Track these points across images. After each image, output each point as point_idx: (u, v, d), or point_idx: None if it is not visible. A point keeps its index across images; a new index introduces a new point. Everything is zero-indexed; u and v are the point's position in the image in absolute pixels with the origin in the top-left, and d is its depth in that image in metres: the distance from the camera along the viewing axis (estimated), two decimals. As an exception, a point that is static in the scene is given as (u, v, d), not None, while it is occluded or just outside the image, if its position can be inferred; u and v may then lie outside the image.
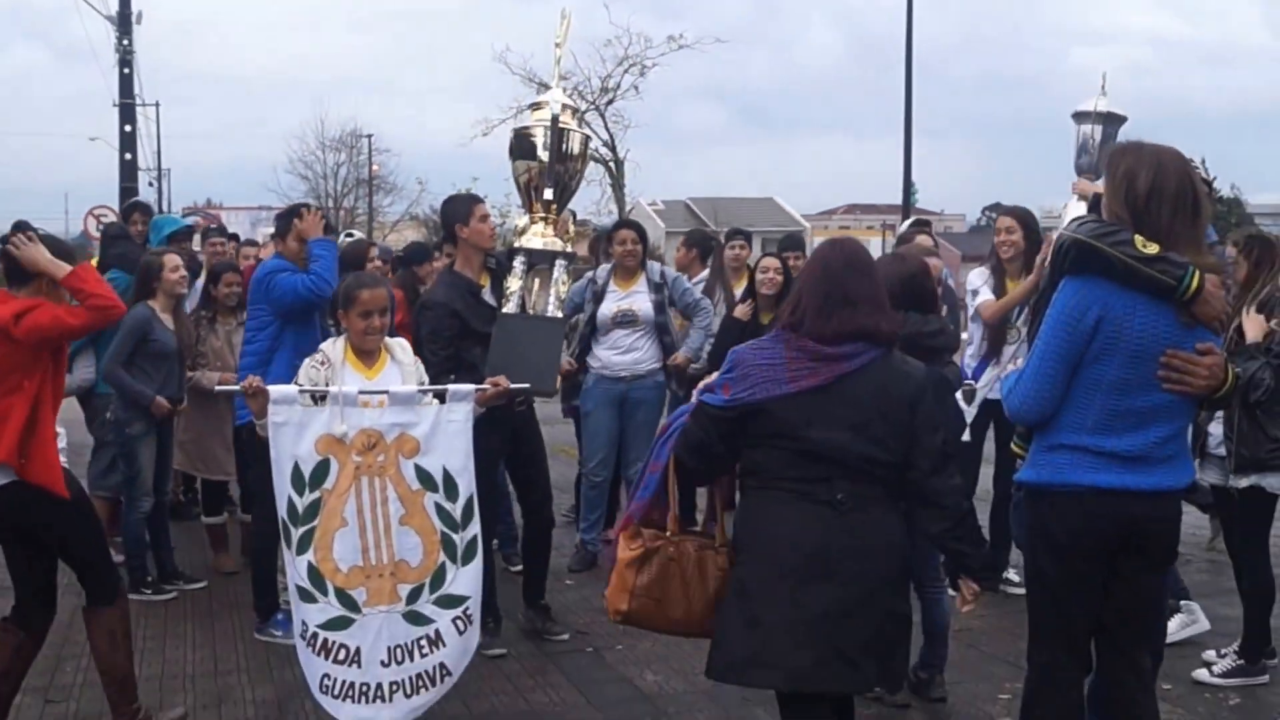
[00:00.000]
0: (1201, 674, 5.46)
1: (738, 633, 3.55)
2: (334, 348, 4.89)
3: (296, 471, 4.42)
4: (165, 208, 47.97)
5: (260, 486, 6.02)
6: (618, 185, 32.19)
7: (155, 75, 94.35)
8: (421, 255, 8.32)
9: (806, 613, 3.47)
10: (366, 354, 4.90)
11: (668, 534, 3.80)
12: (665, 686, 5.41)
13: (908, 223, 8.52)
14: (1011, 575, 6.89)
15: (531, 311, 5.81)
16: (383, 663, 4.48)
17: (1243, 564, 5.55)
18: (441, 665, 4.56)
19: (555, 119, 5.80)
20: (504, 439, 5.79)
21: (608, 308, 7.28)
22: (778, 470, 3.56)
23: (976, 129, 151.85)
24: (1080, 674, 3.58)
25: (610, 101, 31.89)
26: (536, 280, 5.91)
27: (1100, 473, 3.39)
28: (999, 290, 6.68)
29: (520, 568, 6.64)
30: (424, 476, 4.56)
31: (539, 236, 5.85)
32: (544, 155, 5.80)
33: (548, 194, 5.83)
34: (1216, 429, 5.41)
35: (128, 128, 25.14)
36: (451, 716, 4.99)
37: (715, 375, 3.71)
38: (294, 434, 4.43)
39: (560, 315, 5.92)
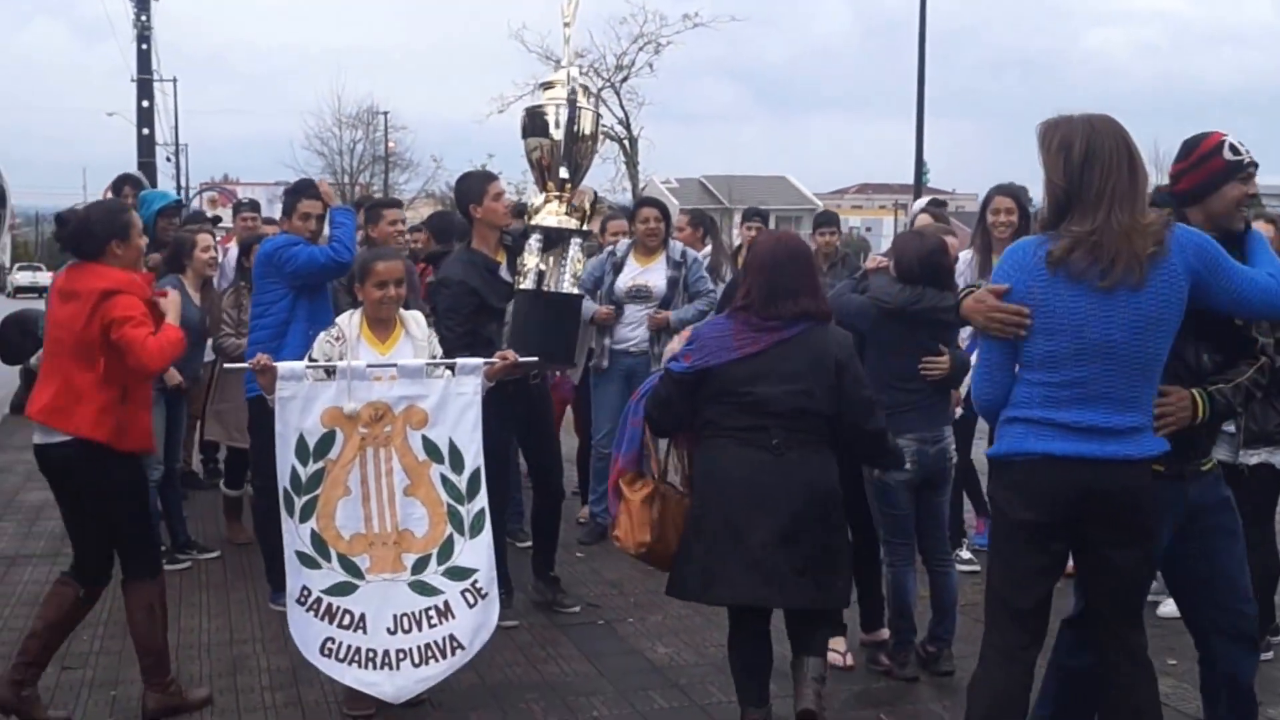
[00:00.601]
0: None
1: (695, 559, 4.27)
2: (350, 321, 4.90)
3: (301, 442, 4.50)
4: (183, 183, 48.02)
5: (262, 458, 6.07)
6: (631, 163, 32.16)
7: (173, 50, 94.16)
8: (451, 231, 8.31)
9: (749, 540, 4.15)
10: (381, 326, 4.90)
11: (655, 478, 4.50)
12: (676, 659, 5.44)
13: (923, 201, 8.50)
14: None
15: (549, 288, 5.79)
16: (389, 630, 4.54)
17: (1249, 542, 5.53)
18: (451, 637, 4.59)
19: (573, 99, 5.78)
20: (518, 413, 5.83)
21: (623, 281, 7.33)
22: (726, 422, 4.26)
23: (989, 109, 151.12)
24: (1033, 653, 3.60)
25: (625, 79, 31.85)
26: (551, 258, 5.90)
27: (1054, 441, 3.39)
28: (985, 269, 6.67)
29: (527, 544, 6.67)
30: (430, 448, 4.62)
31: (553, 215, 5.83)
32: (557, 134, 5.75)
33: (562, 173, 5.80)
34: None
35: (145, 103, 25.21)
36: (465, 687, 5.02)
37: (679, 345, 4.53)
38: (300, 407, 4.51)
39: (578, 292, 5.92)
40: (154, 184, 23.72)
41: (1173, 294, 3.35)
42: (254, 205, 10.24)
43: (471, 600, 4.65)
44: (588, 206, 5.99)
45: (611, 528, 4.63)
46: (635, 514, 4.43)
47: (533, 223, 5.86)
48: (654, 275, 7.33)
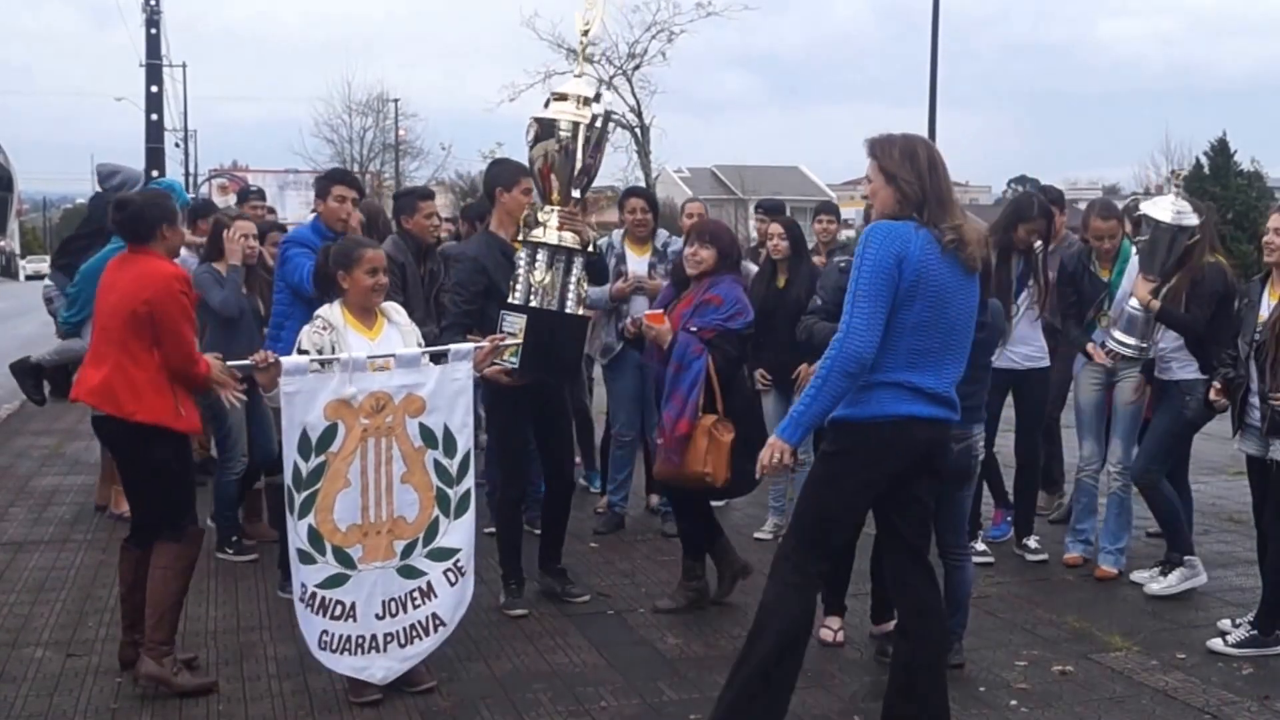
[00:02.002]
0: (1216, 643, 5.46)
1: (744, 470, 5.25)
2: (332, 312, 4.85)
3: (304, 437, 4.50)
4: (192, 169, 48.08)
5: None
6: (643, 152, 32.07)
7: (183, 36, 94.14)
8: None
9: None
10: (366, 315, 4.88)
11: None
12: (686, 650, 5.41)
13: (815, 208, 8.53)
14: (1030, 543, 6.94)
15: (546, 306, 5.62)
16: (377, 615, 4.65)
17: (1271, 538, 5.50)
18: (434, 615, 4.76)
19: (607, 115, 5.69)
20: (533, 405, 5.82)
21: (633, 271, 7.32)
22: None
23: (1004, 99, 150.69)
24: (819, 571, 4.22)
25: (637, 67, 31.73)
26: (549, 277, 5.67)
27: (917, 404, 3.97)
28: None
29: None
30: (426, 434, 4.70)
31: (554, 231, 5.61)
32: (577, 151, 5.52)
33: (575, 194, 5.64)
34: (1258, 401, 5.37)
35: (154, 88, 25.20)
36: (473, 676, 5.00)
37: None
38: (305, 401, 4.50)
39: (583, 313, 5.78)
40: (163, 170, 23.67)
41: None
42: (260, 194, 10.01)
43: (453, 579, 4.81)
44: (591, 233, 5.93)
45: (670, 468, 5.65)
46: (716, 450, 5.53)
47: (537, 238, 5.62)
48: (645, 266, 7.38)
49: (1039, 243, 6.63)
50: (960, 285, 3.97)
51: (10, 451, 9.85)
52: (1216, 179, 33.65)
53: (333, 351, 4.69)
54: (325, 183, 6.24)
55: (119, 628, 5.09)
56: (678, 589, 6.05)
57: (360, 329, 4.84)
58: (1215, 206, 7.59)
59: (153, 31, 24.91)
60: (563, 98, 5.58)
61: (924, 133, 24.92)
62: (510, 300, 5.58)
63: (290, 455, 4.51)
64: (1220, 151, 34.81)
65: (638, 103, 31.85)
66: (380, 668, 4.67)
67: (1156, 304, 6.11)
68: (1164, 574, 6.31)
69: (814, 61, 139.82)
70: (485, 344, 5.03)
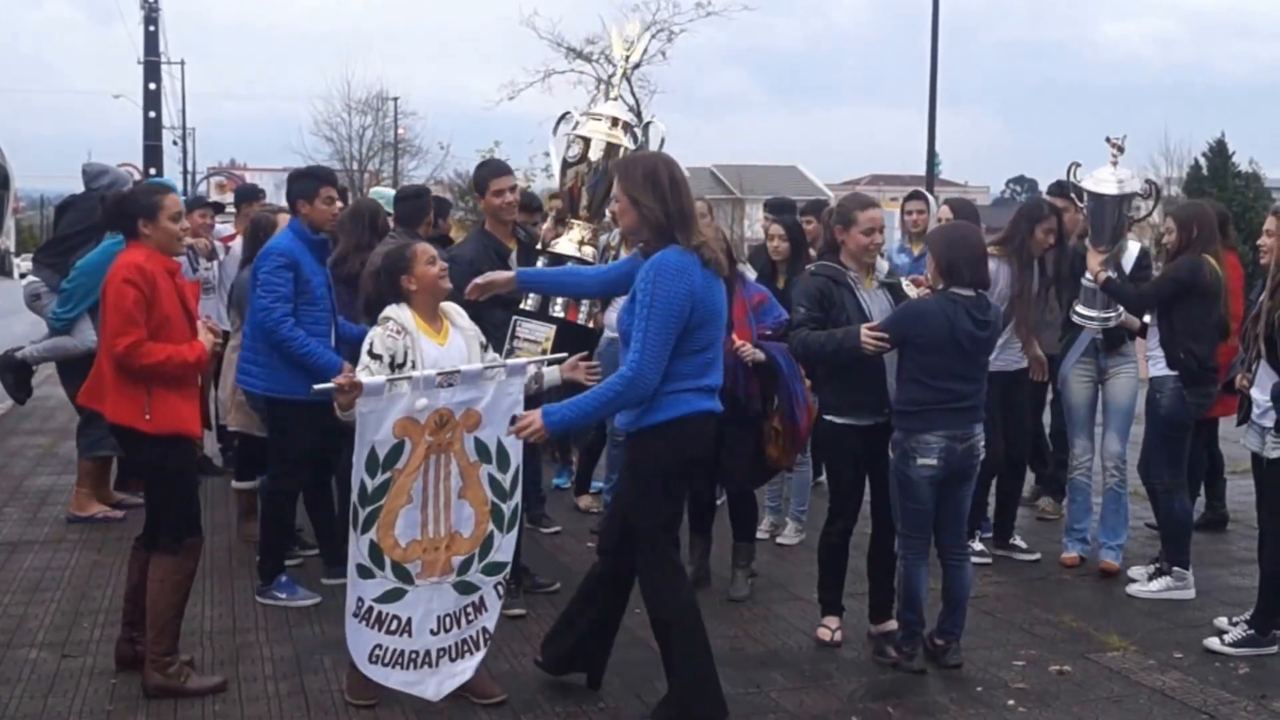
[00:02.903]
0: (1213, 642, 5.48)
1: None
2: (402, 313, 4.72)
3: (372, 455, 4.40)
4: (190, 167, 47.88)
5: (276, 452, 5.99)
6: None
7: (182, 32, 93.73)
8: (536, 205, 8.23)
9: None
10: (433, 317, 4.78)
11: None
12: (683, 651, 5.38)
13: (906, 194, 8.38)
14: (1018, 541, 6.96)
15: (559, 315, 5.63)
16: (431, 631, 4.57)
17: (1267, 534, 5.51)
18: (484, 630, 4.72)
19: (661, 142, 5.78)
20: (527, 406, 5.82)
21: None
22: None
23: (1004, 100, 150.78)
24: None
25: (637, 66, 31.62)
26: None
27: (709, 401, 4.42)
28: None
29: (554, 529, 7.13)
30: (481, 449, 4.61)
31: (574, 244, 5.65)
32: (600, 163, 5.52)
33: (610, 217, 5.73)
34: (1261, 396, 5.37)
35: (152, 85, 25.10)
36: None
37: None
38: (376, 421, 4.39)
39: (593, 326, 5.78)
40: (160, 168, 23.55)
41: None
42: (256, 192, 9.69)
43: (500, 592, 4.77)
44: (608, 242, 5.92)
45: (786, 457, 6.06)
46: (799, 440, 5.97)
47: (556, 250, 5.66)
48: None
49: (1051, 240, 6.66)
50: (719, 291, 4.39)
51: (4, 451, 9.80)
52: (1214, 180, 33.66)
53: (405, 357, 4.61)
54: (311, 183, 5.98)
55: (114, 628, 5.08)
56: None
57: (430, 333, 4.74)
58: (1225, 208, 7.57)
59: (151, 28, 24.84)
60: (598, 118, 5.65)
61: (924, 132, 24.90)
62: (523, 307, 5.56)
63: (359, 474, 4.41)
64: (1218, 152, 34.83)
65: (637, 102, 31.83)
66: (432, 684, 4.58)
67: (1104, 275, 6.18)
68: (1151, 577, 6.31)
69: (816, 62, 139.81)
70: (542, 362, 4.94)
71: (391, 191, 10.71)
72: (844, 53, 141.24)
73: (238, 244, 7.98)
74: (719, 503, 7.11)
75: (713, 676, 4.47)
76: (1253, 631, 5.42)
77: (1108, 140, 6.28)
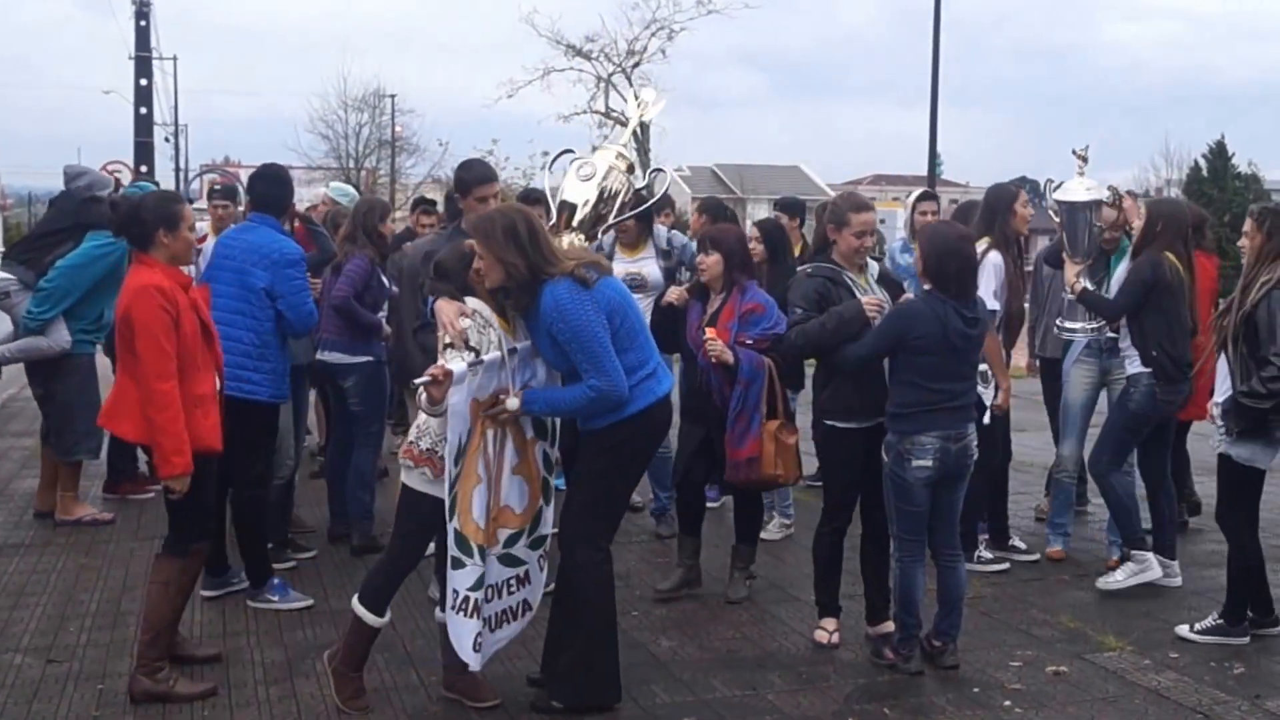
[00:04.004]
0: (1182, 629, 5.57)
1: None
2: (480, 304, 4.57)
3: (459, 444, 4.37)
4: (182, 164, 47.64)
5: (242, 456, 5.67)
6: (642, 150, 31.98)
7: (176, 29, 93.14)
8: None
9: None
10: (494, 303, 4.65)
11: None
12: (680, 653, 5.35)
13: (916, 193, 8.31)
14: (1017, 543, 6.92)
15: None
16: (485, 600, 4.56)
17: (1224, 530, 5.66)
18: (525, 602, 4.76)
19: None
20: None
21: (617, 271, 7.17)
22: None
23: (1008, 101, 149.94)
24: None
25: (637, 64, 31.68)
26: None
27: (665, 381, 4.69)
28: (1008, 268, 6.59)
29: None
30: (539, 426, 4.68)
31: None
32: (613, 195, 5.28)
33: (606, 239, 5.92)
34: (1218, 394, 5.48)
35: (144, 81, 24.95)
36: (460, 680, 4.93)
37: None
38: (460, 411, 4.35)
39: None
40: (152, 165, 23.38)
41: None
42: (229, 192, 9.06)
43: (542, 565, 4.78)
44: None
45: (742, 478, 5.76)
46: (793, 453, 5.73)
47: None
48: (646, 265, 7.15)
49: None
50: (609, 286, 4.54)
51: (-8, 453, 9.82)
52: (1214, 181, 33.73)
53: (488, 350, 4.50)
54: (281, 191, 6.11)
55: (101, 633, 5.04)
56: (675, 570, 6.23)
57: (502, 324, 4.63)
58: (1204, 212, 7.56)
59: (142, 24, 24.66)
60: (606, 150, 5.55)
61: (925, 133, 24.78)
62: None
63: (450, 467, 4.38)
64: (1218, 154, 34.89)
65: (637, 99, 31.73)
66: (473, 654, 4.51)
67: (1080, 285, 6.21)
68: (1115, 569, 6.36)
69: (821, 61, 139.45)
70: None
71: (350, 188, 10.62)
72: (852, 52, 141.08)
73: (209, 245, 7.77)
74: (713, 505, 7.09)
75: (614, 659, 4.69)
76: (1222, 621, 5.49)
77: (1073, 152, 6.38)
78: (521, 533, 4.64)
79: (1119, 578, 6.26)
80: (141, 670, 4.69)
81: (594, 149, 5.75)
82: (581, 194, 5.11)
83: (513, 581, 4.68)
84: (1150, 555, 6.24)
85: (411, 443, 4.63)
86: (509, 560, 4.64)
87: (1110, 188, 6.53)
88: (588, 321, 4.39)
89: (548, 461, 4.74)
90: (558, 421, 4.78)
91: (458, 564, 4.41)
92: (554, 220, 5.07)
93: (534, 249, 4.38)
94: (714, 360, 5.68)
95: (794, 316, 5.30)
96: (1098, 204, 6.27)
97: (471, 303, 4.58)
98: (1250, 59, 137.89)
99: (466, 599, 4.43)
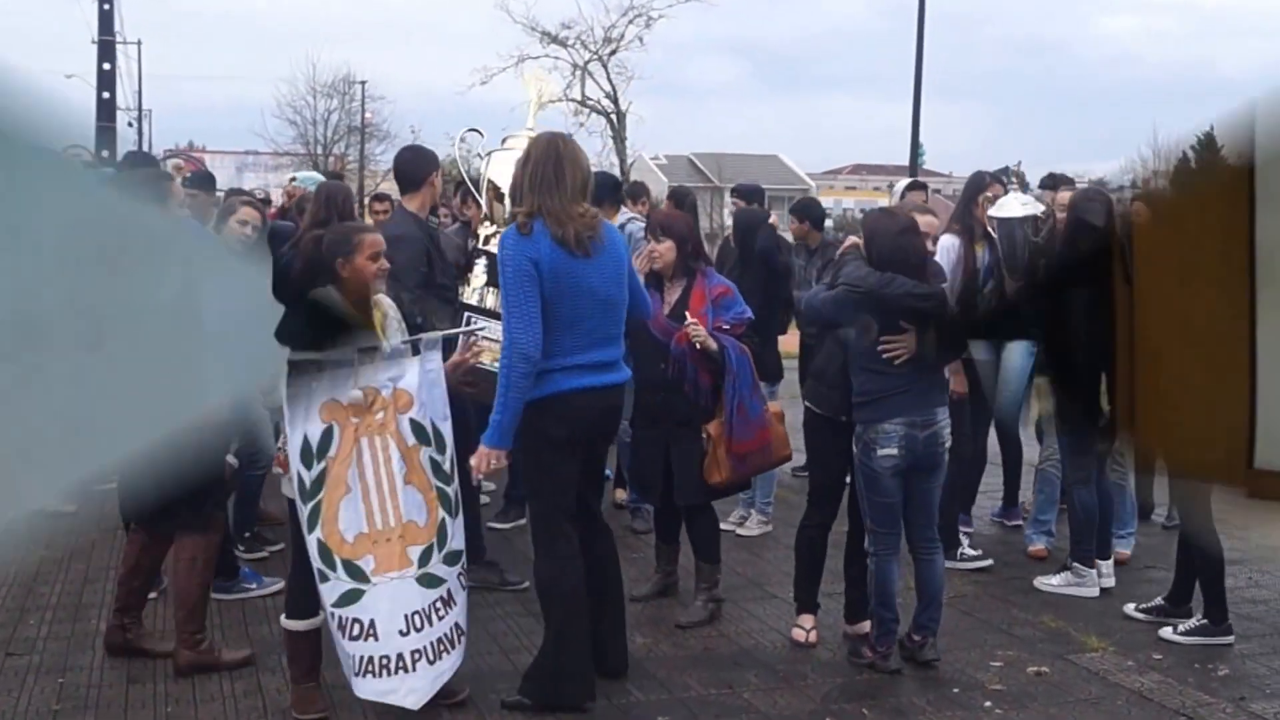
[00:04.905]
0: (1166, 631, 5.55)
1: None
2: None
3: (305, 445, 4.20)
4: (146, 149, 47.16)
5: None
6: (619, 138, 31.86)
7: (138, 11, 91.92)
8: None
9: None
10: (365, 305, 4.48)
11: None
12: (654, 650, 5.27)
13: (904, 182, 8.31)
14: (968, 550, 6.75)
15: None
16: (401, 632, 4.28)
17: (1187, 531, 5.71)
18: (456, 625, 4.43)
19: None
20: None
21: None
22: None
23: (999, 93, 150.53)
24: (577, 535, 4.62)
25: (613, 52, 31.52)
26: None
27: (585, 377, 4.44)
28: (968, 257, 6.57)
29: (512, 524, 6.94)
30: (419, 431, 4.38)
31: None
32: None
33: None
34: None
35: (106, 66, 24.57)
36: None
37: None
38: (304, 406, 4.20)
39: None
40: (114, 151, 23.20)
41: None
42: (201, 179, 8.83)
43: (463, 583, 4.51)
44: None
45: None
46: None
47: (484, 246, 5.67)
48: None
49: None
50: (582, 266, 4.39)
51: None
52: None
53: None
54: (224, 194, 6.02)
55: (62, 625, 4.94)
56: (653, 577, 6.06)
57: (365, 319, 4.49)
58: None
59: (105, 6, 24.24)
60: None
61: (908, 124, 24.74)
62: (467, 301, 5.50)
63: (295, 468, 4.21)
64: (1207, 146, 35.03)
65: (614, 88, 31.66)
66: (408, 689, 4.29)
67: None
68: (1059, 570, 6.30)
69: (804, 51, 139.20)
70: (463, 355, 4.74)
71: (319, 176, 10.50)
72: (835, 42, 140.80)
73: None
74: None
75: (585, 659, 4.60)
76: (1206, 622, 5.48)
77: (1009, 170, 6.42)
78: (430, 547, 4.38)
79: (1055, 582, 6.21)
80: (183, 644, 4.79)
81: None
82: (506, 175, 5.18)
83: (438, 604, 4.37)
84: (1092, 572, 6.16)
85: (279, 449, 4.49)
86: (429, 581, 4.36)
87: (1046, 205, 6.65)
88: (512, 264, 4.34)
89: (438, 470, 4.41)
90: (445, 425, 4.45)
91: (322, 577, 4.23)
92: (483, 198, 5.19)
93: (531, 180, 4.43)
94: (698, 346, 5.41)
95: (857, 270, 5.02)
96: (1033, 219, 6.33)
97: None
98: (1241, 52, 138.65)
99: (332, 614, 4.24)
